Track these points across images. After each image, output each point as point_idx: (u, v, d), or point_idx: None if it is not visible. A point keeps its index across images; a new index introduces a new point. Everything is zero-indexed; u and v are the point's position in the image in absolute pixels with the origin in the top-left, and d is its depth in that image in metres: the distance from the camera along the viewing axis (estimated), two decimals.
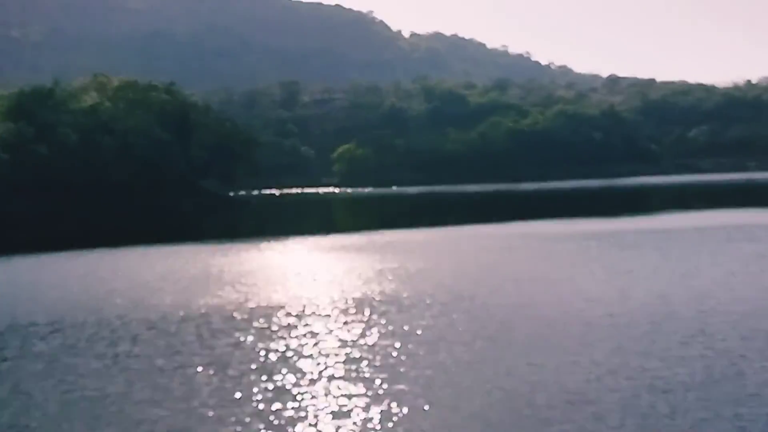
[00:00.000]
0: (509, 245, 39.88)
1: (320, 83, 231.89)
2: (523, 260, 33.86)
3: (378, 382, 15.82)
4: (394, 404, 14.39)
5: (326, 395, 15.15)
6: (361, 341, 19.36)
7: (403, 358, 17.63)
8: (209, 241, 49.70)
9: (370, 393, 15.12)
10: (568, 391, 14.85)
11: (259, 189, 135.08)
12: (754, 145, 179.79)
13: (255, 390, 15.60)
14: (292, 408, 14.47)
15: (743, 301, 22.77)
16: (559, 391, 14.82)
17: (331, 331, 20.74)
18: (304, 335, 20.34)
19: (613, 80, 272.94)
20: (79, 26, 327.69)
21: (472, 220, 61.16)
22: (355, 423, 13.58)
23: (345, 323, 21.58)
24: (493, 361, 17.22)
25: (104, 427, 13.93)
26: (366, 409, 14.23)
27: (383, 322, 21.54)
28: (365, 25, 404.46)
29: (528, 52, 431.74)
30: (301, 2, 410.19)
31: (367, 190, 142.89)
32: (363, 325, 21.15)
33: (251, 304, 24.98)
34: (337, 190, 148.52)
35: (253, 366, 17.45)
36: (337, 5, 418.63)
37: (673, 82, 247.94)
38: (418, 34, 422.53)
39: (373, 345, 18.93)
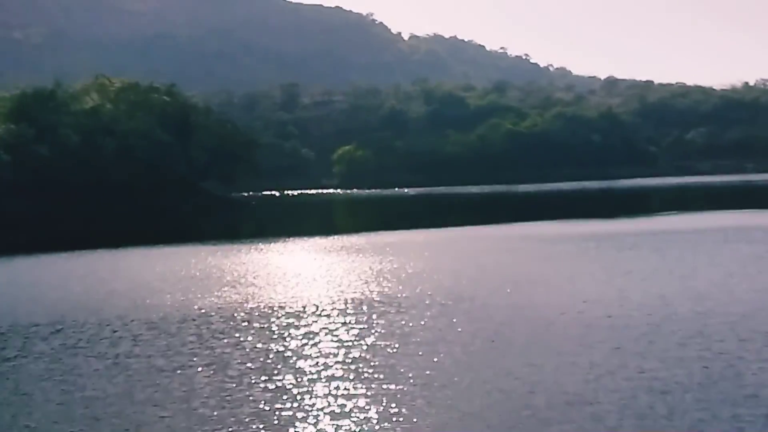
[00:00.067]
0: (508, 247, 39.96)
1: (320, 85, 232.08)
2: (522, 262, 33.93)
3: (377, 382, 15.90)
4: (393, 404, 14.47)
5: (326, 395, 15.23)
6: (361, 342, 19.44)
7: (402, 358, 17.71)
8: (209, 242, 49.76)
9: (369, 393, 15.20)
10: (566, 391, 14.93)
11: (260, 190, 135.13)
12: (752, 146, 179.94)
13: (255, 390, 15.68)
14: (292, 408, 14.55)
15: (741, 303, 22.85)
16: (558, 392, 14.90)
17: (331, 331, 20.81)
18: (304, 336, 20.42)
19: (612, 82, 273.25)
20: (80, 28, 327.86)
21: (472, 222, 61.22)
22: (354, 423, 13.66)
23: (344, 324, 21.66)
24: (492, 361, 17.30)
25: (105, 428, 14.01)
26: (365, 409, 14.32)
27: (382, 322, 21.62)
28: (365, 27, 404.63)
29: (527, 54, 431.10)
30: (302, 4, 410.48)
31: (367, 191, 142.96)
32: (362, 326, 21.22)
33: (251, 305, 25.06)
34: (337, 192, 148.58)
35: (254, 366, 17.53)
36: (337, 7, 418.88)
37: (671, 84, 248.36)
38: (418, 36, 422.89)
39: (373, 345, 19.01)
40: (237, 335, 20.75)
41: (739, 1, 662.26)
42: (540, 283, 27.74)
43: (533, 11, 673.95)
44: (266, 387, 15.88)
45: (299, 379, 16.38)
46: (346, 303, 24.80)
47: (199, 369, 17.44)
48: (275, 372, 16.96)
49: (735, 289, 25.07)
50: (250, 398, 15.16)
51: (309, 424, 13.73)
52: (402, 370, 16.70)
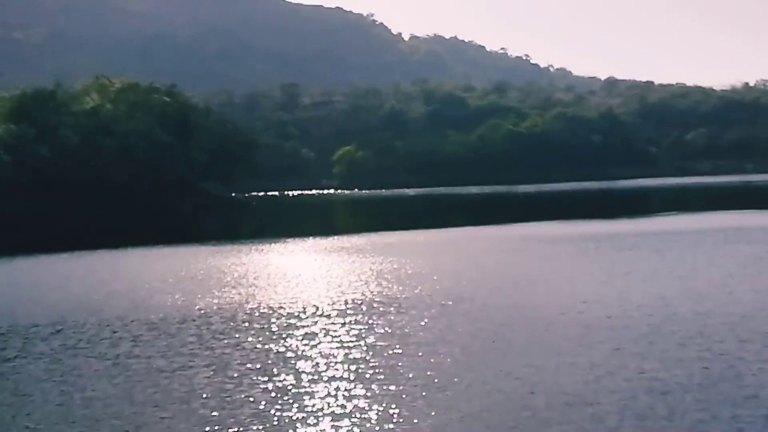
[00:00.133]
0: (508, 247, 39.97)
1: (320, 86, 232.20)
2: (522, 262, 33.94)
3: (377, 383, 15.91)
4: (393, 405, 14.47)
5: (326, 396, 15.24)
6: (361, 342, 19.45)
7: (402, 359, 17.72)
8: (209, 242, 49.78)
9: (369, 394, 15.21)
10: (566, 392, 14.94)
11: (260, 191, 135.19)
12: (752, 147, 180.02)
13: (255, 391, 15.69)
14: (293, 409, 14.56)
15: (741, 303, 22.85)
16: (558, 393, 14.91)
17: (331, 332, 20.82)
18: (304, 336, 20.43)
19: (612, 83, 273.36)
20: (80, 29, 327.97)
21: (472, 222, 61.23)
22: (354, 424, 13.66)
23: (344, 324, 21.66)
24: (492, 362, 17.30)
25: (105, 428, 14.01)
26: (366, 410, 14.32)
27: (382, 323, 21.63)
28: (365, 27, 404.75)
29: (527, 55, 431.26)
30: (302, 5, 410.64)
31: (367, 191, 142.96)
32: (362, 327, 21.23)
33: (251, 306, 25.07)
34: (337, 192, 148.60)
35: (254, 367, 17.53)
36: (337, 8, 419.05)
37: (671, 85, 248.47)
38: (418, 37, 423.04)
39: (373, 346, 19.01)
40: (237, 336, 20.76)
41: (739, 2, 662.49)
42: (540, 283, 27.75)
43: (533, 12, 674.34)
44: (266, 388, 15.89)
45: (299, 380, 16.38)
46: (346, 303, 24.81)
47: (199, 370, 17.44)
48: (275, 373, 16.97)
49: (735, 290, 25.07)
50: (250, 399, 15.17)
51: (309, 424, 13.74)
52: (402, 371, 16.71)
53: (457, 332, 20.28)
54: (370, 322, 21.88)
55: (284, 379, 16.43)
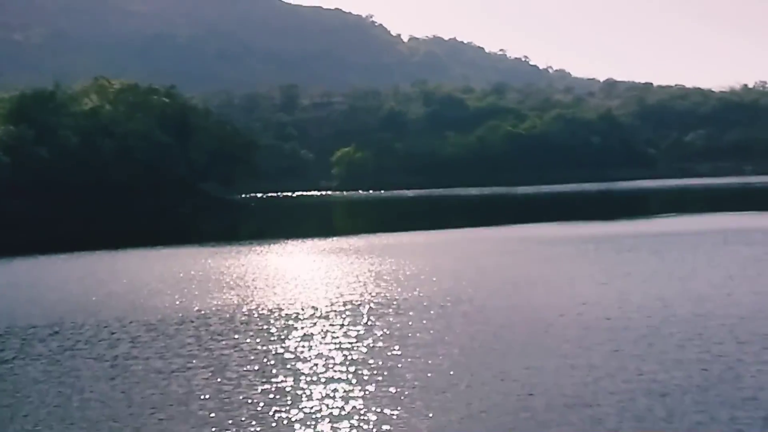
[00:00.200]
0: (507, 248, 39.96)
1: (320, 87, 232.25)
2: (521, 263, 33.94)
3: (376, 384, 15.89)
4: (392, 407, 14.46)
5: (325, 397, 15.22)
6: (360, 344, 19.43)
7: (401, 360, 17.70)
8: (208, 243, 49.75)
9: (368, 395, 15.19)
10: (565, 393, 14.93)
11: (259, 192, 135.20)
12: (751, 148, 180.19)
13: (254, 392, 15.67)
14: (291, 410, 14.54)
15: (740, 305, 22.85)
16: (557, 394, 14.90)
17: (330, 333, 20.81)
18: (303, 338, 20.41)
19: (611, 84, 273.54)
20: (80, 29, 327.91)
21: (471, 224, 61.23)
22: (353, 425, 13.65)
23: (343, 326, 21.65)
24: (491, 363, 17.29)
25: (103, 430, 13.99)
26: (364, 411, 14.31)
27: (381, 324, 21.62)
28: (365, 29, 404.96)
29: (526, 56, 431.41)
30: (301, 6, 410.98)
31: (366, 193, 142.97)
32: (361, 328, 21.22)
33: (250, 307, 25.04)
34: (336, 193, 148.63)
35: (252, 368, 17.51)
36: (336, 9, 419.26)
37: (670, 87, 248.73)
38: (417, 38, 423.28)
39: (372, 347, 19.00)
40: (235, 337, 20.74)
41: (739, 4, 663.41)
42: (539, 285, 27.74)
43: (532, 13, 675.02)
44: (265, 389, 15.87)
45: (298, 381, 16.37)
46: (344, 305, 24.79)
47: (198, 371, 17.42)
48: (274, 374, 16.95)
49: (734, 292, 25.07)
50: (249, 400, 15.15)
51: (308, 426, 13.72)
52: (401, 372, 16.70)
53: (456, 333, 20.26)
54: (369, 323, 21.87)
55: (283, 381, 16.41)
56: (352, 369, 17.10)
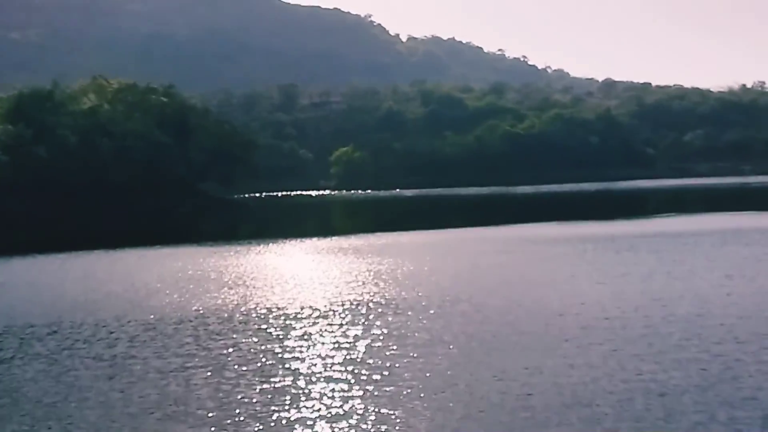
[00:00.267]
0: (506, 248, 39.97)
1: (318, 86, 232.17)
2: (520, 263, 33.95)
3: (375, 384, 15.89)
4: (390, 406, 14.45)
5: (323, 397, 15.22)
6: (358, 343, 19.43)
7: (399, 360, 17.70)
8: (207, 243, 49.74)
9: (366, 395, 15.19)
10: (564, 393, 14.93)
11: (258, 191, 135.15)
12: (750, 149, 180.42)
13: (252, 392, 15.66)
14: (290, 410, 14.54)
15: (739, 305, 22.87)
16: (556, 394, 14.90)
17: (328, 333, 20.80)
18: (302, 337, 20.41)
19: (609, 84, 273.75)
20: (78, 28, 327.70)
21: (469, 223, 61.24)
22: (351, 425, 13.65)
23: (342, 325, 21.64)
24: (489, 363, 17.29)
25: (101, 429, 13.98)
26: (363, 411, 14.30)
27: (380, 324, 21.62)
28: (363, 28, 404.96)
29: (525, 56, 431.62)
30: (300, 5, 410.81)
31: (365, 192, 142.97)
32: (360, 327, 21.22)
33: (249, 306, 25.04)
34: (335, 193, 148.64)
35: (251, 368, 17.51)
36: (335, 9, 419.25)
37: (668, 87, 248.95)
38: (416, 38, 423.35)
39: (370, 347, 19.00)
40: (234, 336, 20.73)
41: (737, 4, 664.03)
42: (538, 284, 27.75)
43: (531, 13, 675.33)
44: (263, 388, 15.86)
45: (296, 381, 16.36)
46: (343, 304, 24.79)
47: (196, 371, 17.41)
48: (272, 373, 16.94)
49: (733, 291, 25.09)
50: (247, 400, 15.14)
51: (306, 426, 13.72)
52: (399, 372, 16.69)
53: (454, 333, 20.26)
54: (368, 323, 21.87)
55: (281, 380, 16.41)
56: (350, 368, 17.09)
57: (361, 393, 15.33)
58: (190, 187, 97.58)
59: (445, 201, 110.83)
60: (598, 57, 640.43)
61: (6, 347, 20.60)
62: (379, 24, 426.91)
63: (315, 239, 49.10)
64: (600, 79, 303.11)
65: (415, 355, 18.11)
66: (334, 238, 50.39)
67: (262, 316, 23.37)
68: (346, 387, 15.79)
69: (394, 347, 18.88)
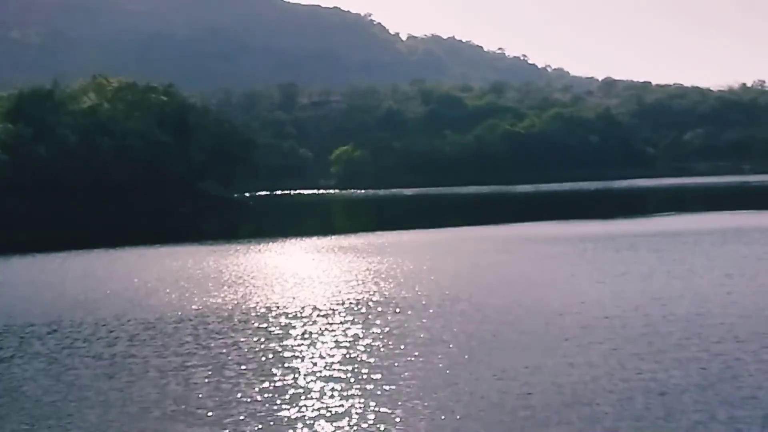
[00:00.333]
0: (506, 247, 39.96)
1: (318, 85, 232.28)
2: (520, 262, 33.94)
3: (374, 383, 15.88)
4: (390, 405, 14.45)
5: (323, 396, 15.21)
6: (358, 342, 19.42)
7: (399, 359, 17.69)
8: (207, 242, 49.73)
9: (366, 394, 15.18)
10: (564, 392, 14.92)
11: (258, 191, 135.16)
12: (750, 148, 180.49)
13: (252, 390, 15.66)
14: (289, 409, 14.53)
15: (739, 304, 22.85)
16: (556, 393, 14.90)
17: (328, 332, 20.80)
18: (301, 336, 20.40)
19: (609, 83, 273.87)
20: (78, 28, 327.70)
21: (469, 222, 61.24)
22: (351, 424, 13.64)
23: (342, 324, 21.64)
24: (489, 362, 17.28)
25: (101, 428, 13.98)
26: (362, 409, 14.30)
27: (380, 323, 21.61)
28: (363, 27, 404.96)
29: (525, 55, 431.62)
30: (300, 4, 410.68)
31: (365, 191, 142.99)
32: (359, 326, 21.21)
33: (249, 305, 25.03)
34: (335, 192, 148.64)
35: (251, 367, 17.50)
36: (335, 8, 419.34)
37: (668, 86, 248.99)
38: (416, 37, 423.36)
39: (370, 346, 18.99)
40: (234, 335, 20.73)
41: (737, 3, 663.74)
42: (537, 283, 27.74)
43: (531, 12, 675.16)
44: (263, 387, 15.86)
45: (296, 380, 16.36)
46: (343, 303, 24.79)
47: (196, 369, 17.40)
48: (272, 372, 16.94)
49: (733, 290, 25.08)
50: (247, 399, 15.14)
51: (306, 424, 13.71)
52: (399, 371, 16.69)
53: (454, 332, 20.26)
54: (368, 322, 21.86)
55: (281, 379, 16.40)
56: (350, 367, 17.09)
57: (360, 392, 15.32)
58: (190, 186, 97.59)
59: (445, 200, 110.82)
60: (598, 56, 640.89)
61: (6, 346, 20.59)
62: (379, 23, 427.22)
63: (315, 238, 49.10)
64: (600, 78, 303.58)
65: (415, 354, 18.10)
66: (333, 237, 50.38)
67: (262, 315, 23.37)
68: (345, 386, 15.78)
69: (394, 346, 18.88)
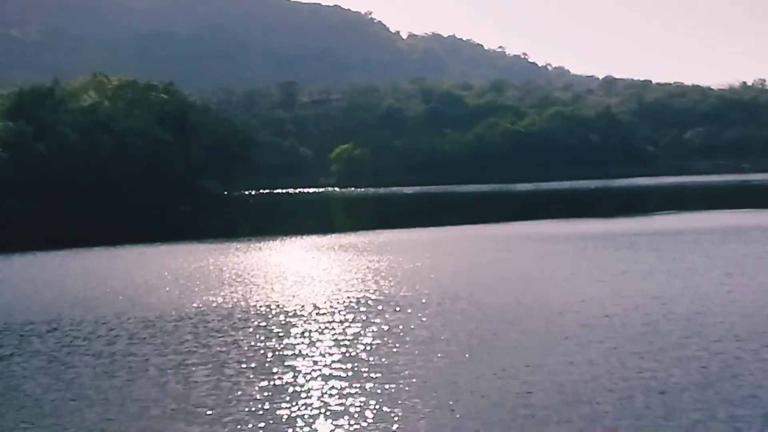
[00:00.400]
0: (506, 246, 39.95)
1: (318, 84, 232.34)
2: (520, 261, 33.93)
3: (374, 381, 15.87)
4: (390, 404, 14.44)
5: (323, 395, 15.20)
6: (358, 341, 19.41)
7: (399, 357, 17.68)
8: (207, 240, 49.71)
9: (366, 393, 15.18)
10: (564, 391, 14.91)
11: (258, 189, 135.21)
12: (750, 146, 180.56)
13: (252, 389, 15.65)
14: (289, 407, 14.52)
15: (739, 303, 22.84)
16: (556, 392, 14.89)
17: (328, 330, 20.79)
18: (302, 334, 20.39)
19: (610, 82, 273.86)
20: (78, 26, 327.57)
21: (469, 221, 61.24)
22: (351, 423, 13.63)
23: (342, 323, 21.63)
24: (489, 361, 17.27)
25: (100, 427, 13.97)
26: (362, 408, 14.29)
27: (379, 321, 21.60)
28: (363, 25, 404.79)
29: (525, 54, 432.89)
30: (300, 3, 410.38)
31: (365, 190, 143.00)
32: (359, 325, 21.20)
33: (249, 303, 25.02)
34: (335, 190, 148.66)
35: (251, 365, 17.49)
36: (335, 6, 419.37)
37: (669, 84, 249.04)
38: (416, 35, 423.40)
39: (370, 344, 18.98)
40: (234, 334, 20.72)
41: (738, 2, 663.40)
42: (537, 282, 27.73)
43: (531, 11, 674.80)
44: (263, 386, 15.85)
45: (296, 378, 16.35)
46: (343, 302, 24.78)
47: (196, 368, 17.39)
48: (272, 371, 16.93)
49: (733, 289, 25.07)
50: (247, 397, 15.13)
51: (306, 423, 13.70)
52: (399, 369, 16.67)
53: (454, 331, 20.24)
54: (368, 320, 21.85)
55: (281, 378, 16.39)
56: (350, 366, 17.08)
57: (360, 390, 15.31)
58: (189, 184, 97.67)
59: (445, 198, 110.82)
60: (599, 54, 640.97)
61: (5, 344, 20.58)
62: (380, 21, 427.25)
63: (315, 236, 49.09)
64: (600, 76, 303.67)
65: (414, 352, 18.09)
66: (333, 235, 50.38)
67: (262, 314, 23.36)
68: (345, 384, 15.77)
69: (394, 345, 18.86)
